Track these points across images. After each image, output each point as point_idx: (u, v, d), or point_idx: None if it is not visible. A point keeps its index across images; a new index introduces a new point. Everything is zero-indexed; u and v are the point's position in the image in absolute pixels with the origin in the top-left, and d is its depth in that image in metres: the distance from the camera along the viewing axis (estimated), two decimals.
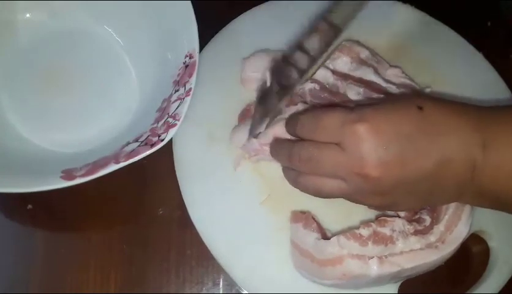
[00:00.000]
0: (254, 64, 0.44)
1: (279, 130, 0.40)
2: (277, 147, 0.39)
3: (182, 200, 0.41)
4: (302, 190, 0.38)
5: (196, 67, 0.41)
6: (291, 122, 0.38)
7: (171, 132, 0.39)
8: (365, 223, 0.38)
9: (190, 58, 0.42)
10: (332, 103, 0.42)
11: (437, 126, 0.34)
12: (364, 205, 0.37)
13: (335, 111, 0.35)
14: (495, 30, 0.53)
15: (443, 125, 0.34)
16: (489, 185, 0.34)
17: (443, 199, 0.37)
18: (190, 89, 0.40)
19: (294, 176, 0.37)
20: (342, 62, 0.45)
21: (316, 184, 0.36)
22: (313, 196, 0.38)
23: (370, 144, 0.33)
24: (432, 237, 0.37)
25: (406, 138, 0.33)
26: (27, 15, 0.47)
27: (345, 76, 0.44)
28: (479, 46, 0.48)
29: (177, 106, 0.40)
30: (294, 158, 0.36)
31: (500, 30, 0.54)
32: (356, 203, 0.37)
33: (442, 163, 0.33)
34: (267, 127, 0.41)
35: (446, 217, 0.38)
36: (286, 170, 0.39)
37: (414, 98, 0.36)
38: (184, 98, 0.40)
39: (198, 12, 0.42)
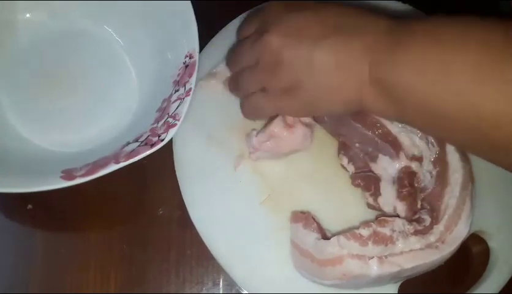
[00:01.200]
0: None
1: (277, 128, 0.40)
2: (231, 83, 0.43)
3: (182, 200, 0.41)
4: (248, 116, 0.42)
5: (196, 67, 0.41)
6: (229, 63, 0.43)
7: (171, 132, 0.39)
8: (365, 223, 0.38)
9: (190, 58, 0.42)
10: None
11: (342, 25, 0.35)
12: (281, 111, 0.40)
13: (246, 39, 0.39)
14: None
15: (348, 24, 0.35)
16: (390, 89, 0.33)
17: (341, 99, 0.36)
18: (190, 89, 0.40)
19: (242, 104, 0.42)
20: None
21: (251, 102, 0.40)
22: (314, 197, 0.38)
23: (275, 44, 0.36)
24: (432, 237, 0.37)
25: (305, 39, 0.35)
26: (27, 15, 0.47)
27: None
28: None
29: (177, 106, 0.40)
30: (239, 86, 0.41)
31: None
32: (278, 110, 0.40)
33: (338, 66, 0.34)
34: (265, 126, 0.41)
35: (446, 216, 0.38)
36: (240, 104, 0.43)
37: (318, 5, 0.38)
38: (184, 98, 0.40)
39: (198, 12, 0.42)
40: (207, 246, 0.40)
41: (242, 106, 0.42)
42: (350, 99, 0.35)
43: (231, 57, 0.43)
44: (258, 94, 0.39)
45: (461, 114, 0.30)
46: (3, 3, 0.45)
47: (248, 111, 0.42)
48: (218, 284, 0.41)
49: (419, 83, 0.31)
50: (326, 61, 0.34)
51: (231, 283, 0.41)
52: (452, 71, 0.30)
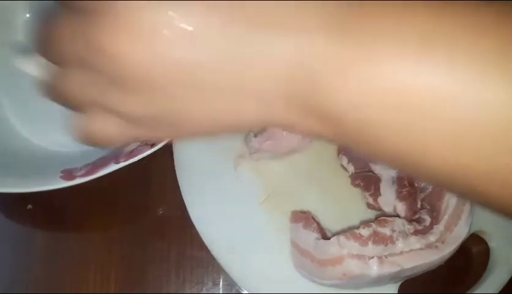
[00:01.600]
0: None
1: (276, 128, 0.40)
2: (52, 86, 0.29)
3: (182, 200, 0.41)
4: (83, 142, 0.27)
5: None
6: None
7: None
8: (365, 223, 0.38)
9: None
10: None
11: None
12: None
13: None
14: None
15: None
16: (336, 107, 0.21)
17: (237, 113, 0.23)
18: None
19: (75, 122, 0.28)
20: None
21: (89, 124, 0.26)
22: (314, 197, 0.38)
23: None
24: (432, 237, 0.37)
25: None
26: (27, 15, 0.47)
27: None
28: None
29: None
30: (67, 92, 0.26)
31: None
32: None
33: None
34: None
35: (446, 217, 0.38)
36: None
37: None
38: None
39: None
40: (207, 246, 0.40)
41: (74, 124, 0.27)
42: (248, 122, 0.23)
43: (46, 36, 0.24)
44: (96, 114, 0.24)
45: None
46: (3, 3, 0.45)
47: (83, 136, 0.26)
48: (218, 284, 0.41)
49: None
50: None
51: (231, 283, 0.41)
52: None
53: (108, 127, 0.25)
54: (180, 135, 0.27)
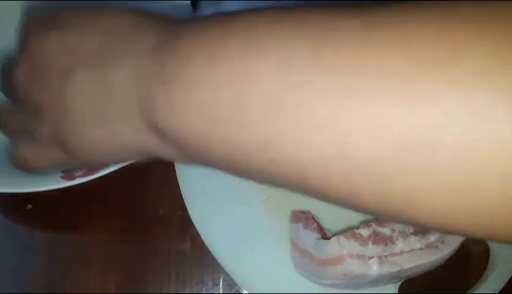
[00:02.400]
0: None
1: None
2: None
3: (182, 200, 0.41)
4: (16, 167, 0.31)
5: None
6: None
7: None
8: (365, 223, 0.38)
9: None
10: None
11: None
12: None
13: None
14: None
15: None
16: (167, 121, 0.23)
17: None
18: None
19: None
20: None
21: (17, 149, 0.30)
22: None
23: (18, 63, 0.27)
24: (431, 237, 0.37)
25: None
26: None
27: None
28: None
29: None
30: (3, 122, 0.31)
31: None
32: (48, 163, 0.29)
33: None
34: None
35: None
36: None
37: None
38: None
39: (198, 12, 0.42)
40: (207, 246, 0.40)
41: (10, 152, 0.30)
42: (130, 147, 0.26)
43: None
44: (24, 141, 0.29)
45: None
46: (4, 3, 0.45)
47: (14, 161, 0.30)
48: (218, 284, 0.41)
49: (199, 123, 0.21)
50: (81, 102, 0.24)
51: (231, 283, 0.41)
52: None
53: (27, 151, 0.28)
54: (81, 161, 0.28)
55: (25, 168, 0.30)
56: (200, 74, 0.21)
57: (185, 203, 0.41)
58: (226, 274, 0.40)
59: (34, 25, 0.27)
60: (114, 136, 0.25)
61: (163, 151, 0.26)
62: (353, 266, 0.35)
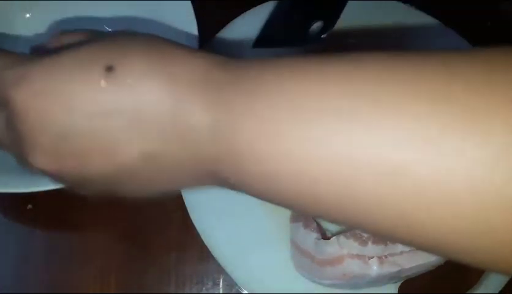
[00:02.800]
0: None
1: None
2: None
3: (183, 200, 0.41)
4: None
5: None
6: None
7: None
8: None
9: None
10: None
11: (134, 98, 0.22)
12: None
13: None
14: (495, 30, 0.53)
15: (147, 99, 0.22)
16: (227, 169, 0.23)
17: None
18: None
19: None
20: None
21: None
22: None
23: (31, 129, 0.23)
24: None
25: (85, 118, 0.23)
26: (27, 15, 0.47)
27: None
28: (478, 46, 0.48)
29: None
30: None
31: (500, 30, 0.54)
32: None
33: (146, 158, 0.23)
34: None
35: None
36: None
37: (105, 52, 0.23)
38: None
39: (198, 12, 0.42)
40: (208, 246, 0.40)
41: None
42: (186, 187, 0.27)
43: None
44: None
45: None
46: (3, 3, 0.45)
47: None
48: (218, 284, 0.41)
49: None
50: (146, 171, 0.24)
51: (231, 283, 0.41)
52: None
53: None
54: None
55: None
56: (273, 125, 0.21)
57: (185, 203, 0.41)
58: (226, 274, 0.40)
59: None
60: (173, 186, 0.26)
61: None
62: (353, 266, 0.35)
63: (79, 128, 0.23)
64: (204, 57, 0.24)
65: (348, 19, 0.45)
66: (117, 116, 0.22)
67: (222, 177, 0.24)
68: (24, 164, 0.26)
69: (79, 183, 0.26)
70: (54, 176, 0.25)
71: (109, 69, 0.22)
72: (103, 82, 0.22)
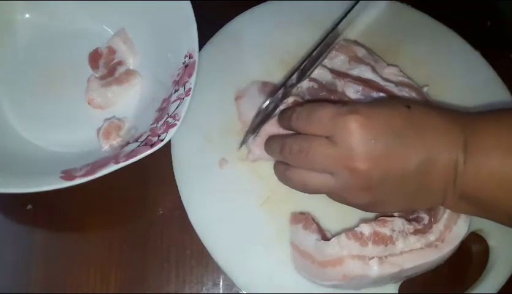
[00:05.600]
0: (250, 105, 0.44)
1: (272, 129, 0.40)
2: (271, 142, 0.40)
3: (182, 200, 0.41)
4: (289, 185, 0.39)
5: (196, 67, 0.41)
6: (286, 115, 0.39)
7: (171, 132, 0.39)
8: (365, 221, 0.37)
9: (189, 58, 0.42)
10: (330, 101, 0.42)
11: (424, 125, 0.35)
12: (351, 205, 0.37)
13: (329, 104, 0.36)
14: (495, 30, 0.53)
15: (429, 125, 0.35)
16: (470, 187, 0.34)
17: (427, 201, 0.37)
18: (190, 89, 0.40)
19: (283, 169, 0.38)
20: (340, 61, 0.45)
21: (304, 177, 0.37)
22: (313, 198, 0.38)
23: (359, 137, 0.34)
24: (431, 237, 0.38)
25: (394, 133, 0.34)
26: (27, 15, 0.47)
27: (343, 75, 0.44)
28: (478, 46, 0.49)
29: (177, 106, 0.40)
30: (285, 150, 0.37)
31: (500, 30, 0.54)
32: (343, 202, 0.37)
33: (427, 161, 0.34)
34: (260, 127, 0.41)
35: (445, 216, 0.38)
36: (276, 164, 0.40)
37: (403, 99, 0.39)
38: (183, 98, 0.40)
39: (198, 12, 0.42)
40: (207, 248, 0.40)
41: (287, 174, 0.38)
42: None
43: (293, 115, 0.37)
44: (324, 177, 0.36)
45: None
46: (3, 3, 0.45)
47: (297, 185, 0.38)
48: (218, 284, 0.41)
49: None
50: (407, 186, 0.35)
51: (231, 283, 0.41)
52: None
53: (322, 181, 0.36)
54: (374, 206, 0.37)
55: (307, 191, 0.38)
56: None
57: (184, 205, 0.41)
58: (226, 274, 0.40)
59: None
60: (417, 206, 0.38)
61: (458, 204, 0.36)
62: (353, 267, 0.35)
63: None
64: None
65: (349, 18, 0.46)
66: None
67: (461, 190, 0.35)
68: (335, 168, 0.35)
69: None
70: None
71: (408, 107, 0.35)
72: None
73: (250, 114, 0.43)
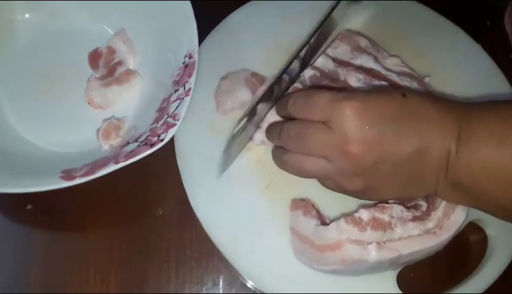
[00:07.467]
0: (228, 88, 0.44)
1: (272, 118, 0.41)
2: (270, 128, 0.41)
3: (183, 200, 0.41)
4: (285, 169, 0.39)
5: (196, 67, 0.41)
6: (284, 101, 0.39)
7: (171, 132, 0.39)
8: (364, 206, 0.38)
9: (189, 58, 0.42)
10: (332, 88, 0.42)
11: (418, 113, 0.35)
12: (345, 193, 0.38)
13: (326, 91, 0.36)
14: (495, 30, 0.53)
15: (424, 114, 0.35)
16: (461, 175, 0.35)
17: (420, 189, 0.37)
18: (190, 88, 0.40)
19: (280, 153, 0.39)
20: (342, 51, 0.45)
21: (301, 161, 0.38)
22: (313, 185, 0.38)
23: (354, 122, 0.34)
24: (430, 223, 0.38)
25: (388, 120, 0.35)
26: (27, 15, 0.47)
27: (345, 64, 0.44)
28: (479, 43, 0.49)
29: (177, 106, 0.40)
30: (283, 135, 0.38)
31: (500, 29, 0.54)
32: (338, 189, 0.38)
33: (420, 149, 0.35)
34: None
35: (443, 203, 0.38)
36: (274, 149, 0.41)
37: (400, 88, 0.41)
38: (183, 98, 0.40)
39: (198, 12, 0.42)
40: (209, 234, 0.40)
41: (284, 158, 0.39)
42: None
43: (290, 101, 0.38)
44: (319, 162, 0.36)
45: None
46: (3, 3, 0.46)
47: (293, 169, 0.39)
48: (218, 284, 0.41)
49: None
50: (403, 171, 0.35)
51: (231, 283, 0.41)
52: None
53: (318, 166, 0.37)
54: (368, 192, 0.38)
55: (302, 176, 0.39)
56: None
57: (187, 193, 0.41)
58: (226, 274, 0.40)
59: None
60: (410, 194, 0.38)
61: (450, 193, 0.36)
62: (352, 251, 0.36)
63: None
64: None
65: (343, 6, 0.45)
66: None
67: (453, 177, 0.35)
68: (331, 152, 0.35)
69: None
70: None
71: (404, 95, 0.36)
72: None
73: (225, 96, 0.44)
